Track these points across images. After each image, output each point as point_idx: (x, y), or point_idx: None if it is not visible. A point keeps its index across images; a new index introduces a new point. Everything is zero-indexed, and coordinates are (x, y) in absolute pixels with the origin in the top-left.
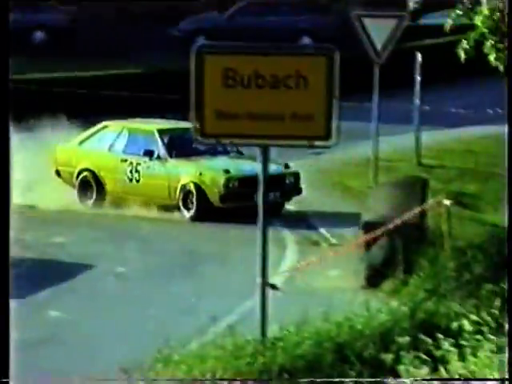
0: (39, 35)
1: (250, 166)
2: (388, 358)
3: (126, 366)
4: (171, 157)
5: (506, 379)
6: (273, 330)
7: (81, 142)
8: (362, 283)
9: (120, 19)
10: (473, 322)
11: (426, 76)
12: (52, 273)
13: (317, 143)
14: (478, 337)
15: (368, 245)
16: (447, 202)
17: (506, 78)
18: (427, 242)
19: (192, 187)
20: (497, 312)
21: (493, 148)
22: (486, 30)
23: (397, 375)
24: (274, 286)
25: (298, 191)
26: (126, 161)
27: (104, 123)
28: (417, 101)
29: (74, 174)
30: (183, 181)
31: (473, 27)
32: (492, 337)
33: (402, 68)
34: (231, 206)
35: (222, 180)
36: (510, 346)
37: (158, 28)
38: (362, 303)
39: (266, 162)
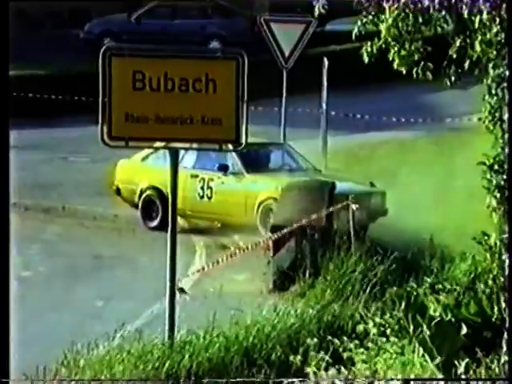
0: None
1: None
2: (296, 359)
3: (29, 371)
4: (248, 172)
5: (506, 379)
6: (181, 334)
7: (144, 158)
8: (270, 286)
9: (19, 21)
10: (377, 325)
11: (333, 82)
12: None
13: (226, 147)
14: (382, 339)
15: (276, 248)
16: (354, 206)
17: (507, 78)
18: (334, 246)
19: (272, 204)
20: (400, 315)
21: (396, 153)
22: (389, 39)
23: (304, 377)
24: (182, 290)
25: (385, 212)
26: (196, 176)
27: None
28: (324, 106)
29: (136, 192)
30: (261, 197)
31: (378, 34)
32: (395, 339)
33: (309, 73)
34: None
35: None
36: (510, 346)
37: (64, 30)
38: (270, 306)
39: (175, 166)
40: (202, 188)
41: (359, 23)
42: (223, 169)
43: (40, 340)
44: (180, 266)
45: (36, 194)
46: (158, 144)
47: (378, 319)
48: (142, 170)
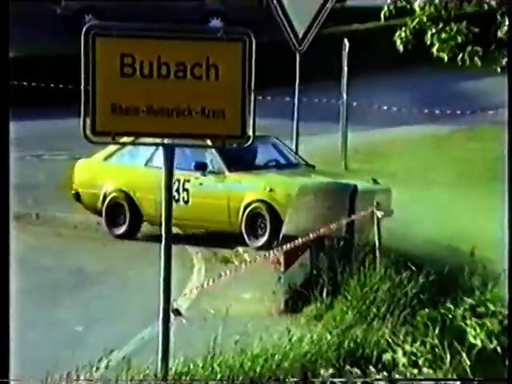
0: None
1: (327, 180)
2: None
3: None
4: (230, 170)
5: (506, 379)
6: (176, 363)
7: (107, 157)
8: (281, 307)
9: None
10: (407, 353)
11: (355, 67)
12: None
13: (230, 143)
14: (413, 370)
15: (287, 262)
16: (379, 214)
17: (507, 77)
18: (355, 260)
19: (261, 207)
20: (434, 342)
21: (428, 151)
22: (424, 18)
23: None
24: (177, 312)
25: (390, 212)
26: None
27: None
28: (344, 95)
29: (99, 197)
30: (247, 199)
31: (411, 12)
32: (429, 370)
33: (326, 57)
34: None
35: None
36: (510, 346)
37: (37, 4)
38: (281, 330)
39: (171, 165)
40: (177, 190)
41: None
42: (201, 167)
43: (11, 369)
44: (175, 282)
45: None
46: (149, 140)
47: (407, 347)
48: (105, 170)
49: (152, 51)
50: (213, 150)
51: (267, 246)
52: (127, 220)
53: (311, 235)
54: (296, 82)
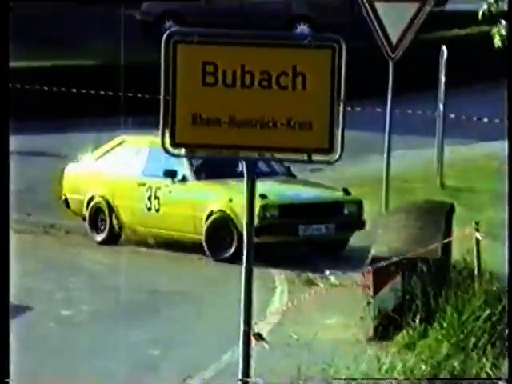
0: None
1: (296, 191)
2: None
3: None
4: (198, 179)
5: (506, 379)
6: None
7: (94, 161)
8: (370, 334)
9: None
10: None
11: (454, 76)
12: None
13: (316, 157)
14: None
15: (377, 286)
16: (478, 235)
17: (507, 78)
18: (452, 284)
19: (221, 218)
20: None
21: None
22: None
23: None
24: (259, 336)
25: (361, 224)
26: (144, 185)
27: (121, 137)
28: (441, 106)
29: (84, 203)
30: (209, 209)
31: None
32: None
33: (422, 65)
34: (269, 241)
35: (255, 207)
36: (510, 346)
37: (115, 10)
38: (370, 359)
39: (252, 179)
40: (149, 198)
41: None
42: (170, 175)
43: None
44: (256, 305)
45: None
46: (231, 152)
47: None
48: (90, 175)
49: (235, 59)
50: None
51: (232, 260)
52: (107, 227)
53: (402, 257)
54: (388, 92)
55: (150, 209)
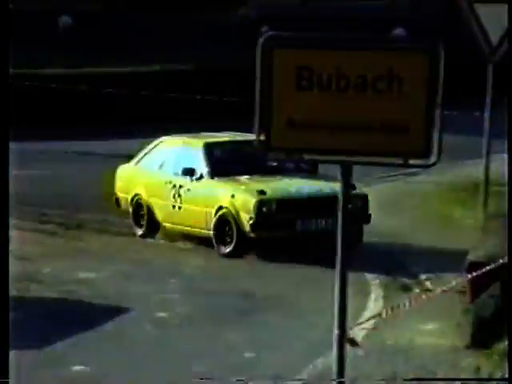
0: (65, 21)
1: (297, 186)
2: None
3: None
4: (212, 177)
5: (506, 379)
6: None
7: (138, 162)
8: (468, 341)
9: (161, 4)
10: None
11: None
12: (75, 317)
13: (412, 162)
14: None
15: (475, 292)
16: None
17: (508, 80)
18: None
19: (226, 214)
20: None
21: None
22: None
23: None
24: (353, 341)
25: (366, 219)
26: (170, 183)
27: (161, 138)
28: None
29: (128, 201)
30: (217, 205)
31: None
32: None
33: None
34: (266, 236)
35: (252, 203)
36: (510, 346)
37: (211, 14)
38: (469, 367)
39: (347, 183)
40: (174, 196)
41: None
42: (189, 173)
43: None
44: (350, 310)
45: None
46: (327, 157)
47: None
48: (135, 175)
49: (331, 63)
50: (203, 156)
51: (233, 254)
52: (145, 223)
53: (501, 262)
54: (487, 96)
55: (174, 206)
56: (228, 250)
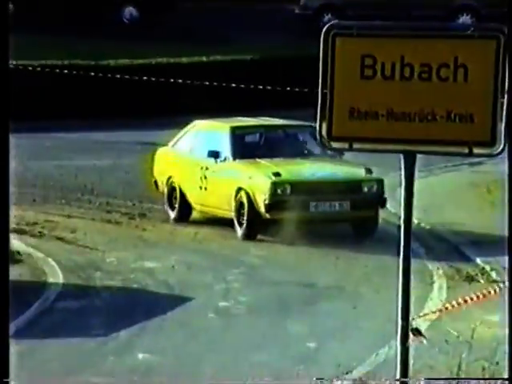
0: (130, 12)
1: (313, 169)
2: None
3: None
4: (235, 158)
5: (506, 379)
6: None
7: (174, 145)
8: None
9: None
10: None
11: None
12: (140, 305)
13: (478, 151)
14: None
15: None
16: None
17: (508, 79)
18: None
19: (242, 195)
20: None
21: None
22: None
23: None
24: (417, 332)
25: (382, 203)
26: (198, 165)
27: (195, 122)
28: None
29: (164, 183)
30: (236, 187)
31: None
32: None
33: None
34: (279, 217)
35: (268, 184)
36: (510, 346)
37: (274, 5)
38: None
39: (411, 174)
40: (201, 178)
41: None
42: (214, 155)
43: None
44: (413, 300)
45: None
46: (390, 147)
47: None
48: (170, 157)
49: (394, 51)
50: (228, 139)
51: (245, 237)
52: (177, 206)
53: None
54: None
55: (201, 187)
56: (242, 232)
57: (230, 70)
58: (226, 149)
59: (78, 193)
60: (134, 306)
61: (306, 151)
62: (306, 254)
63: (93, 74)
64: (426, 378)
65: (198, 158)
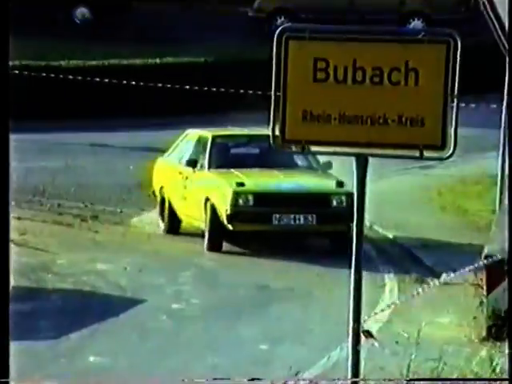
0: (82, 13)
1: (281, 181)
2: None
3: None
4: (209, 168)
5: (506, 379)
6: None
7: (168, 155)
8: (483, 334)
9: None
10: None
11: None
12: (91, 307)
13: (428, 154)
14: None
15: (490, 285)
16: None
17: (507, 77)
18: None
19: (208, 205)
20: None
21: None
22: None
23: None
24: (368, 333)
25: (352, 217)
26: (180, 174)
27: (187, 131)
28: None
29: (158, 194)
30: (204, 197)
31: None
32: None
33: None
34: (242, 229)
35: (230, 194)
36: (510, 346)
37: (228, 8)
38: (483, 360)
39: (363, 177)
40: (184, 187)
41: None
42: (191, 164)
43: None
44: (365, 302)
45: None
46: (341, 150)
47: None
48: (163, 167)
49: (347, 55)
50: (208, 148)
51: (210, 249)
52: (166, 216)
53: None
54: (505, 88)
55: (183, 197)
56: (205, 244)
57: (182, 71)
58: (205, 158)
59: (29, 194)
60: (86, 309)
61: (289, 163)
62: (255, 256)
63: (44, 74)
64: (429, 379)
65: (182, 167)
